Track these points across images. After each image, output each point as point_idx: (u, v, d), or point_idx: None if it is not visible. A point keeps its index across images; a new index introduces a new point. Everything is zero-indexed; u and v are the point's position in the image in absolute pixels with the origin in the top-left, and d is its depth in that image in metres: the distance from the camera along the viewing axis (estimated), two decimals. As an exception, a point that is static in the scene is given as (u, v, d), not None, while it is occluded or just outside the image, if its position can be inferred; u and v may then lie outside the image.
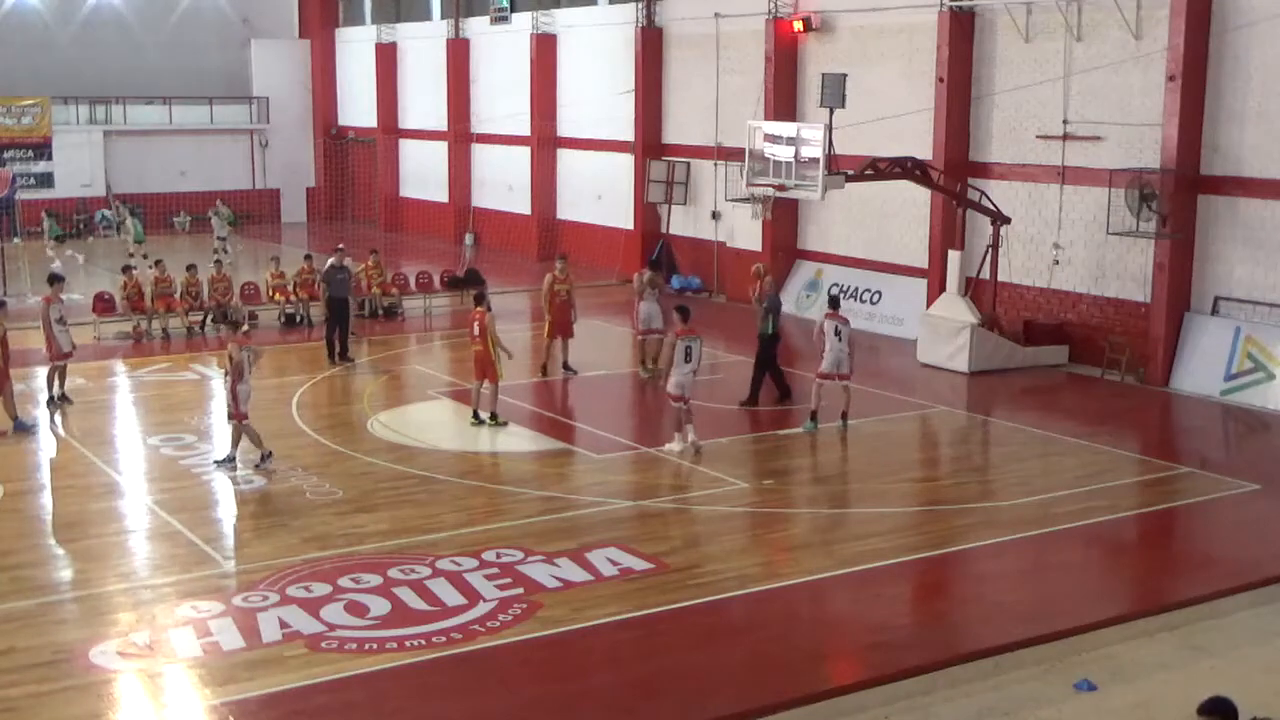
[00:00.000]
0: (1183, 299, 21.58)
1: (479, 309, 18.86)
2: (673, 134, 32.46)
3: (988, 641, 11.38)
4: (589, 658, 11.19)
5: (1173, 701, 10.37)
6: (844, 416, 18.51)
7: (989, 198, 23.16)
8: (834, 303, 19.09)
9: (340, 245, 25.14)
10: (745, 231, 28.99)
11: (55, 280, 20.40)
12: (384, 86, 44.40)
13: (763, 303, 20.10)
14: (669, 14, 32.28)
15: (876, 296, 26.85)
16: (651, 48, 32.50)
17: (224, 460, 16.56)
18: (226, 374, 16.60)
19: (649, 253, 32.22)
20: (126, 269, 26.42)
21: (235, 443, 16.59)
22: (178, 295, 25.84)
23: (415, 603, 11.98)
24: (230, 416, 16.60)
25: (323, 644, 11.11)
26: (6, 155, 34.71)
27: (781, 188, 21.94)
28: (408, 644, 11.12)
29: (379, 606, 11.88)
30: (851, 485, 16.68)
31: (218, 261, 27.79)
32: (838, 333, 18.37)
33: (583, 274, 28.66)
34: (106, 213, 41.59)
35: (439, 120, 41.19)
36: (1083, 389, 21.65)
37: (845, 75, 22.48)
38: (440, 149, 41.37)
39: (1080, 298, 23.35)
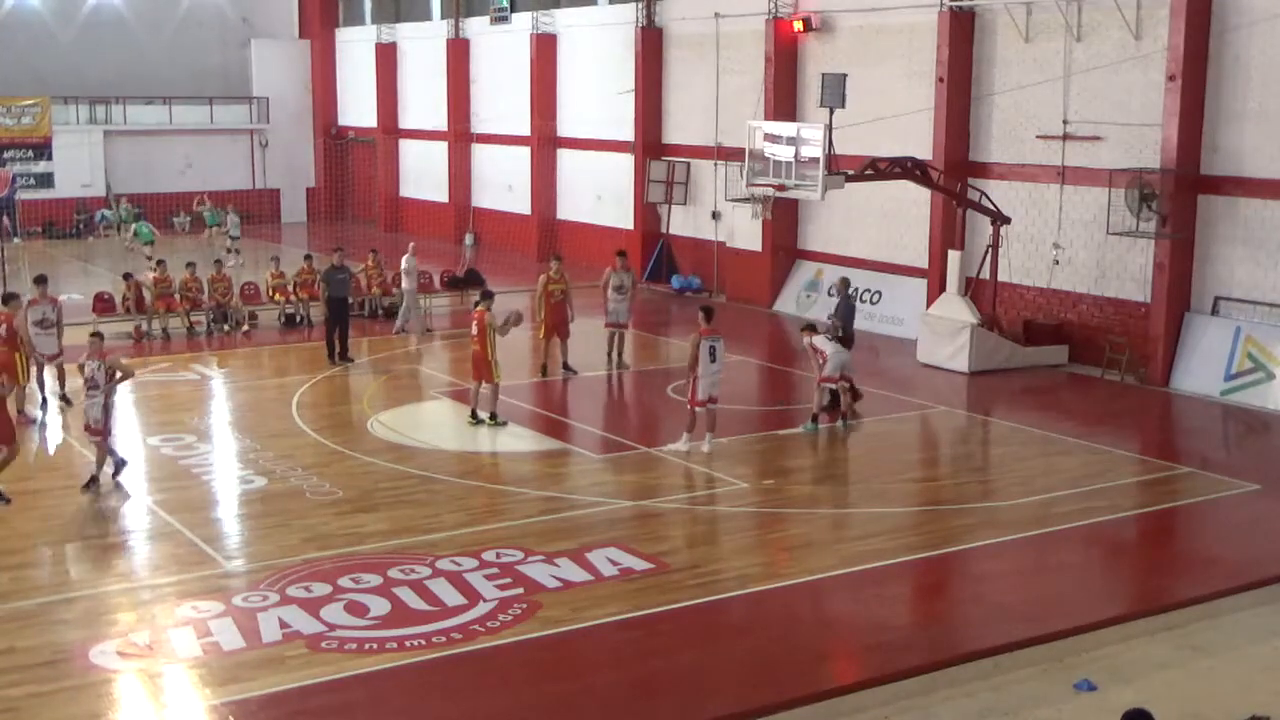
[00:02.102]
0: (1183, 299, 21.58)
1: (479, 308, 18.81)
2: (673, 134, 32.44)
3: (988, 641, 11.38)
4: (589, 658, 11.19)
5: (1173, 701, 10.37)
6: (844, 416, 18.55)
7: (989, 198, 23.15)
8: (812, 327, 19.21)
9: (339, 247, 25.21)
10: (745, 231, 28.98)
11: (38, 282, 20.41)
12: (384, 86, 44.39)
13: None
14: (669, 14, 32.27)
15: (876, 296, 26.83)
16: (651, 48, 32.49)
17: (90, 483, 15.41)
18: (97, 387, 15.33)
19: (650, 252, 32.25)
20: (128, 275, 26.35)
21: (101, 462, 15.58)
22: (177, 295, 25.81)
23: (415, 603, 11.98)
24: (96, 432, 15.49)
25: (323, 644, 11.11)
26: (6, 155, 34.80)
27: (781, 188, 21.94)
28: (408, 644, 11.11)
29: (379, 606, 11.88)
30: (852, 485, 16.68)
31: (218, 261, 27.75)
32: (831, 339, 18.75)
33: (583, 274, 28.60)
34: (106, 212, 41.58)
35: (439, 120, 41.18)
36: (1083, 389, 21.64)
37: (845, 75, 22.48)
38: (440, 149, 41.37)
39: (1080, 298, 23.34)
